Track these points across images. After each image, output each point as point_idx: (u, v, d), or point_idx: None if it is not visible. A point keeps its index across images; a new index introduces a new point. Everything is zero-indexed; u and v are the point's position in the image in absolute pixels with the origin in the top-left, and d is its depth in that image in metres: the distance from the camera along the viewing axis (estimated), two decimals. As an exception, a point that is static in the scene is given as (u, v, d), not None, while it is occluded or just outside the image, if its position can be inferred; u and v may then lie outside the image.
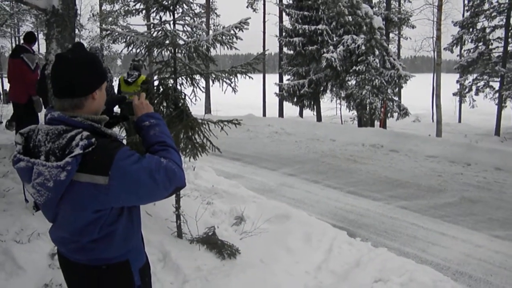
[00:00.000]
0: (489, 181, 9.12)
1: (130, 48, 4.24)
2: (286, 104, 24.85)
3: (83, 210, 1.79)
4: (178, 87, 4.35)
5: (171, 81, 4.32)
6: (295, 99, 22.25)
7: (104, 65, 2.34)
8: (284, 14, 23.54)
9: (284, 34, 22.35)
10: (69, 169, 1.69)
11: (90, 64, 1.89)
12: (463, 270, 5.23)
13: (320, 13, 20.84)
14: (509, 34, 21.67)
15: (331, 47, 19.11)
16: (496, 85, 23.12)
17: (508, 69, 20.79)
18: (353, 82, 18.33)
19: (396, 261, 4.78)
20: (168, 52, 4.28)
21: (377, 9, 22.66)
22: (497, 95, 22.79)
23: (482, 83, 24.24)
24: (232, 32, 4.16)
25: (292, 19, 21.63)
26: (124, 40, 4.20)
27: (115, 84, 9.20)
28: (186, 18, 4.42)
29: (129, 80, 8.80)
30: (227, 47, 4.23)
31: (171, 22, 4.26)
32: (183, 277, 4.00)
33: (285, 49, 23.81)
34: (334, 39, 19.94)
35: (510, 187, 8.65)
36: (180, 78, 4.34)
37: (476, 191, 8.41)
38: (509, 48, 21.98)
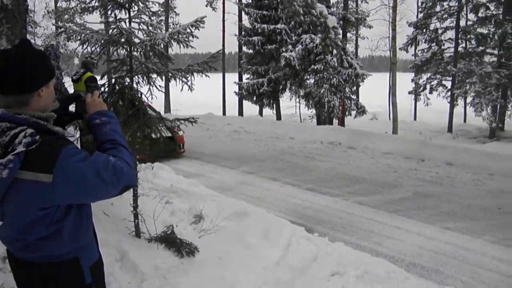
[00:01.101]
0: (441, 176, 9.45)
1: (85, 46, 4.18)
2: (246, 103, 24.92)
3: (28, 208, 1.77)
4: (135, 85, 4.32)
5: (127, 79, 4.29)
6: (254, 98, 22.34)
7: (53, 63, 2.30)
8: (243, 13, 23.57)
9: (243, 33, 22.40)
10: (11, 166, 1.67)
11: (36, 61, 1.85)
12: (416, 262, 5.42)
13: (279, 12, 20.98)
14: (459, 35, 22.46)
15: (290, 46, 19.32)
16: (449, 84, 23.91)
17: (459, 68, 21.54)
18: (312, 80, 18.58)
19: (352, 255, 4.90)
20: (124, 50, 4.25)
21: (335, 9, 23.00)
22: (449, 93, 23.56)
23: (435, 82, 25.04)
24: (188, 30, 4.17)
25: (251, 18, 21.69)
26: (79, 38, 4.14)
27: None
28: (143, 16, 4.39)
29: (73, 77, 8.74)
30: (184, 45, 4.23)
31: (127, 20, 4.23)
32: (141, 276, 3.98)
33: (244, 48, 23.86)
34: (293, 38, 20.15)
35: (460, 182, 8.99)
36: (136, 76, 4.32)
37: (429, 186, 8.71)
38: (459, 49, 22.77)
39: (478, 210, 7.32)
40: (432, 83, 25.10)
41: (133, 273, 4.03)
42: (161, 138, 9.91)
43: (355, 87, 22.82)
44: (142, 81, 4.33)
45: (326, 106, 17.56)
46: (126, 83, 4.25)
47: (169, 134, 10.05)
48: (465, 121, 26.00)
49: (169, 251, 4.42)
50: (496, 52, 20.21)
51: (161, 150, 10.03)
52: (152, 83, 4.29)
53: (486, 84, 18.91)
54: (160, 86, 4.45)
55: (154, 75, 4.37)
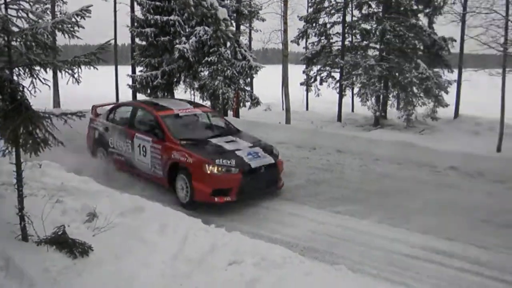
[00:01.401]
0: (331, 163, 9.95)
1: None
2: (140, 96, 24.26)
3: None
4: (15, 78, 4.03)
5: (7, 71, 3.98)
6: (148, 91, 21.74)
7: None
8: (135, 4, 22.82)
9: (136, 24, 21.68)
10: None
11: None
12: (310, 246, 5.70)
13: (172, 3, 20.60)
14: (346, 30, 23.70)
15: (183, 38, 19.08)
16: (337, 76, 25.10)
17: (346, 61, 22.65)
18: (206, 73, 18.55)
19: (249, 243, 5.00)
20: (1, 39, 3.94)
21: (228, 1, 23.05)
22: (338, 84, 24.78)
23: (325, 73, 26.10)
24: (73, 19, 3.97)
25: (144, 9, 21.03)
26: None
27: None
28: (22, 2, 4.10)
29: None
30: (69, 35, 4.02)
31: (2, 6, 3.91)
32: (29, 281, 3.76)
33: (137, 40, 23.12)
34: (187, 30, 19.92)
35: (349, 168, 9.55)
36: (17, 68, 4.03)
37: (320, 173, 9.13)
38: (346, 43, 24.02)
39: (365, 193, 7.83)
40: (322, 74, 26.15)
41: (19, 280, 3.80)
42: (262, 168, 7.31)
43: (249, 79, 23.12)
44: (24, 74, 4.05)
45: (220, 98, 17.64)
46: (5, 76, 3.95)
47: (272, 160, 7.54)
48: (353, 110, 27.44)
49: (61, 252, 4.22)
50: (378, 46, 21.59)
51: (262, 185, 7.55)
52: (35, 76, 4.04)
53: (370, 76, 20.13)
54: (45, 79, 4.20)
55: (38, 67, 4.11)
